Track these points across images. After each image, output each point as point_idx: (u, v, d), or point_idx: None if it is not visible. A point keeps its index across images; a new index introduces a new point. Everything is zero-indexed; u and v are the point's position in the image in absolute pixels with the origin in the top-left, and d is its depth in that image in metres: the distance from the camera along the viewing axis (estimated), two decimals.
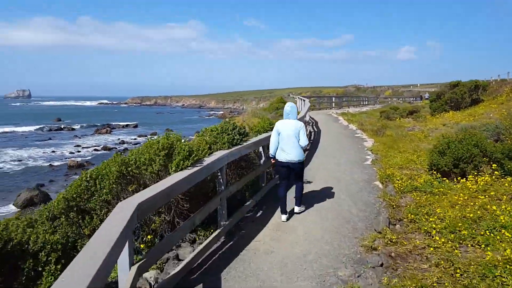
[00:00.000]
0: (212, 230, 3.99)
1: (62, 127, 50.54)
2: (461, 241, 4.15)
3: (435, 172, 6.66)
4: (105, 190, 3.20)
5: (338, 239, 4.39)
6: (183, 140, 3.98)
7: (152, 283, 3.07)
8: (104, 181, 3.28)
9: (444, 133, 12.26)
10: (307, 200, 5.74)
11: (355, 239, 4.40)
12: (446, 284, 3.29)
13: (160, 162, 3.46)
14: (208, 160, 3.69)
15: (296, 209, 5.32)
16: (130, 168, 3.38)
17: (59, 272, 2.54)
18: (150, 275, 3.19)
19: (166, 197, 2.90)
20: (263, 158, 5.84)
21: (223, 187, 4.09)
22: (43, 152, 29.98)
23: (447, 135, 7.76)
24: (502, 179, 5.78)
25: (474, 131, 7.78)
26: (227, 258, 3.77)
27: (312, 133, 13.91)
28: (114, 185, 3.30)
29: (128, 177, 3.40)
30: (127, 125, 55.09)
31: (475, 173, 6.19)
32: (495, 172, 5.94)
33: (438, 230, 4.38)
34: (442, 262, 3.67)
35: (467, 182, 5.94)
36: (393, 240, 4.19)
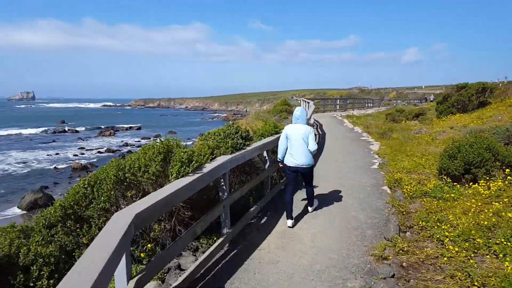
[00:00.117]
0: (215, 238, 3.83)
1: (66, 129, 50.69)
2: (475, 250, 3.96)
3: (445, 177, 6.46)
4: (102, 198, 3.05)
5: (347, 248, 4.21)
6: (183, 144, 3.82)
7: None
8: (102, 187, 3.14)
9: (453, 136, 12.08)
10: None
11: (364, 247, 4.22)
12: None
13: (157, 168, 3.31)
14: (210, 166, 3.53)
15: (310, 209, 5.46)
16: (126, 175, 3.23)
17: None
18: (150, 286, 3.05)
19: (166, 206, 2.74)
20: (268, 163, 5.68)
21: (226, 194, 3.93)
22: (47, 155, 30.01)
23: (457, 139, 7.54)
24: None
25: (485, 134, 7.57)
26: (230, 268, 3.60)
27: (317, 136, 13.72)
28: (112, 192, 3.15)
29: (125, 183, 3.26)
30: (130, 127, 55.17)
31: (487, 178, 6.00)
32: (508, 177, 5.74)
33: (451, 238, 4.20)
34: (458, 273, 3.48)
35: (479, 187, 5.75)
36: (405, 249, 4.01)
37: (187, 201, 3.50)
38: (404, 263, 3.79)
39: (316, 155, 9.87)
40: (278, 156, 5.11)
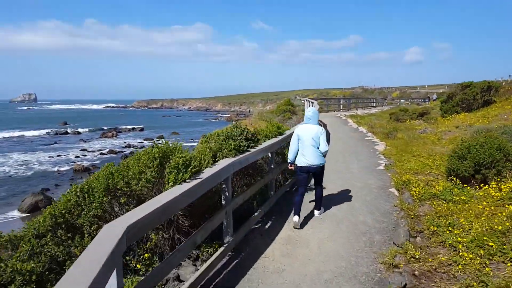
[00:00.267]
0: (216, 246, 3.64)
1: (68, 131, 50.64)
2: (490, 257, 3.75)
3: (454, 178, 6.25)
4: (94, 204, 2.87)
5: (355, 255, 4.01)
6: (184, 145, 3.62)
7: None
8: (94, 194, 2.95)
9: (459, 135, 11.87)
10: None
11: (374, 254, 4.03)
12: None
13: (152, 175, 3.12)
14: (211, 171, 3.34)
15: (316, 213, 5.29)
16: (118, 186, 3.04)
17: None
18: None
19: (163, 216, 2.55)
20: (272, 165, 5.48)
21: (228, 199, 3.73)
22: (49, 156, 29.89)
23: (467, 139, 7.33)
24: None
25: (494, 133, 7.35)
26: (233, 279, 3.41)
27: None
28: (104, 198, 2.97)
29: (118, 193, 3.07)
30: (133, 129, 55.04)
31: (498, 179, 5.79)
32: None
33: (464, 244, 3.99)
34: (474, 283, 3.28)
35: (490, 189, 5.54)
36: (416, 256, 3.80)
37: (187, 208, 3.31)
38: (416, 272, 3.59)
39: None
40: (289, 157, 5.06)
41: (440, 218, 4.86)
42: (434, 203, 5.47)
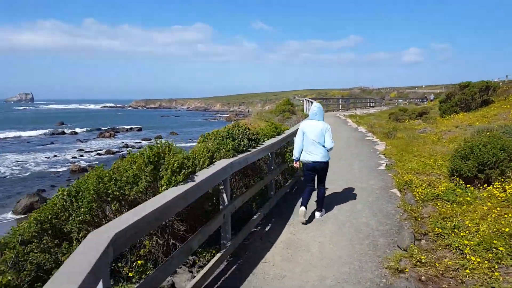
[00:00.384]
0: (214, 252, 3.47)
1: (65, 131, 50.25)
2: (498, 261, 3.61)
3: (457, 179, 6.11)
4: (82, 209, 2.70)
5: (358, 259, 3.86)
6: (178, 146, 3.45)
7: None
8: (83, 198, 2.78)
9: (459, 135, 11.76)
10: None
11: (378, 258, 3.87)
12: None
13: (147, 179, 2.95)
14: (208, 172, 3.17)
15: (317, 214, 5.13)
16: (110, 190, 2.87)
17: None
18: None
19: (155, 222, 2.37)
20: (272, 165, 5.32)
21: (226, 202, 3.56)
22: (45, 157, 29.60)
23: (470, 139, 7.19)
24: None
25: (496, 133, 7.22)
26: (231, 286, 3.25)
27: None
28: (93, 203, 2.80)
29: (109, 198, 2.90)
30: (131, 129, 54.72)
31: (502, 180, 5.66)
32: None
33: (471, 247, 3.85)
34: None
35: (494, 189, 5.41)
36: (422, 260, 3.65)
37: (183, 211, 3.14)
38: (422, 277, 3.44)
39: None
40: (294, 154, 5.00)
41: (445, 219, 4.72)
42: (438, 204, 5.33)
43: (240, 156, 3.95)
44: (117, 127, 56.07)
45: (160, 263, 2.88)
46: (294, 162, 5.11)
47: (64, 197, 2.75)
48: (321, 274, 3.53)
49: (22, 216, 14.37)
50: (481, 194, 5.46)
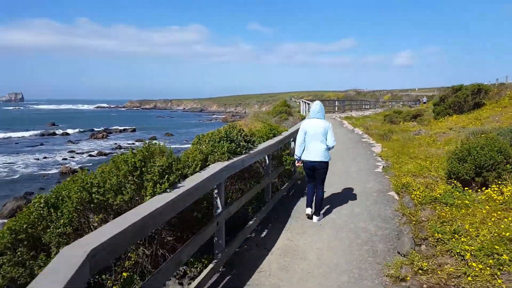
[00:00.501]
0: (206, 262, 3.29)
1: (56, 132, 49.49)
2: (500, 267, 3.51)
3: (454, 181, 6.02)
4: (62, 220, 2.51)
5: (358, 266, 3.73)
6: (167, 147, 3.25)
7: None
8: (62, 207, 2.58)
9: (453, 137, 11.75)
10: None
11: (378, 265, 3.75)
12: None
13: (132, 187, 2.77)
14: (201, 177, 3.00)
15: (315, 219, 5.01)
16: (94, 196, 2.69)
17: None
18: None
19: (140, 233, 2.18)
20: (269, 168, 5.17)
21: (220, 208, 3.39)
22: (35, 159, 29.05)
23: (466, 141, 7.13)
24: None
25: (493, 135, 7.16)
26: None
27: None
28: (75, 214, 2.61)
29: (92, 205, 2.72)
30: (124, 130, 54.17)
31: (499, 182, 5.60)
32: None
33: (472, 252, 3.74)
34: None
35: (492, 192, 5.34)
36: (424, 268, 3.53)
37: (172, 219, 2.96)
38: (424, 285, 3.33)
39: None
40: (295, 154, 4.96)
41: (444, 224, 4.62)
42: (437, 207, 5.23)
43: (235, 159, 3.79)
44: (110, 128, 55.47)
45: (148, 275, 2.70)
46: (296, 162, 5.07)
47: (41, 205, 2.56)
48: (319, 284, 3.39)
49: (8, 220, 14.00)
50: (479, 197, 5.38)
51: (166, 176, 2.82)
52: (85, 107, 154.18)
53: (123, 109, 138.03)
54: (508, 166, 5.71)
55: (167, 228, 3.05)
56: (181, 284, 3.15)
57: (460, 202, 5.22)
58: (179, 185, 2.85)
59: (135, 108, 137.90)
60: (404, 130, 15.40)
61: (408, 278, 3.41)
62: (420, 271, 3.51)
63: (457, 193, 5.64)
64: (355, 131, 15.27)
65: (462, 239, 4.02)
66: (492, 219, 4.38)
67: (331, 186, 6.58)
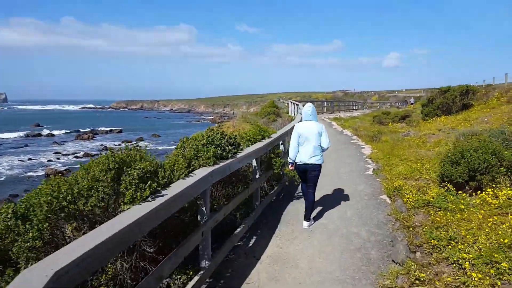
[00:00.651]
0: (191, 273, 3.06)
1: (40, 133, 48.34)
2: (500, 276, 3.36)
3: (448, 185, 5.90)
4: (31, 234, 2.25)
5: (351, 275, 3.54)
6: (147, 151, 3.01)
7: None
8: (31, 220, 2.33)
9: (442, 138, 11.74)
10: None
11: (372, 274, 3.57)
12: None
13: (105, 191, 2.52)
14: (185, 184, 2.76)
15: (305, 224, 4.85)
16: (63, 203, 2.43)
17: None
18: None
19: (115, 249, 1.94)
20: (257, 173, 4.96)
21: (206, 217, 3.16)
22: (19, 160, 28.26)
23: (459, 143, 7.05)
24: None
25: (486, 137, 7.09)
26: None
27: None
28: (45, 225, 2.36)
29: (63, 213, 2.47)
30: (111, 130, 53.31)
31: (493, 186, 5.49)
32: None
33: (470, 261, 3.59)
34: None
35: (486, 196, 5.22)
36: (421, 278, 3.36)
37: (153, 230, 2.72)
38: None
39: None
40: (289, 157, 4.91)
41: (439, 229, 4.47)
42: (430, 212, 5.09)
43: (222, 164, 3.56)
44: (97, 128, 54.53)
45: None
46: (290, 165, 4.99)
47: (9, 216, 2.30)
48: None
49: None
50: (473, 201, 5.25)
51: (148, 182, 2.58)
52: (71, 107, 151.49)
53: (109, 109, 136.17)
54: (502, 169, 5.61)
55: (147, 239, 2.80)
56: None
57: (454, 206, 5.09)
58: (162, 192, 2.62)
59: (121, 109, 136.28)
60: (393, 131, 15.37)
61: None
62: (417, 282, 3.33)
63: (451, 196, 5.52)
64: (344, 132, 15.19)
65: (459, 246, 3.86)
66: (489, 225, 4.23)
67: (322, 188, 6.40)
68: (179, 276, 2.95)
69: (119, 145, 37.40)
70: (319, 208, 5.52)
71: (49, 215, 2.37)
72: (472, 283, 3.26)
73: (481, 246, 3.77)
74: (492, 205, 4.97)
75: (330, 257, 3.96)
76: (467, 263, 3.53)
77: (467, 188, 5.88)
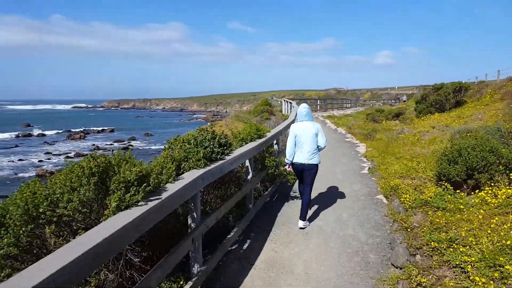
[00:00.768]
0: (181, 282, 2.87)
1: (31, 133, 47.58)
2: (505, 281, 3.23)
3: (445, 183, 5.78)
4: (6, 240, 2.06)
5: (350, 281, 3.39)
6: (132, 157, 2.81)
7: None
8: (6, 226, 2.13)
9: (437, 136, 11.67)
10: None
11: (371, 279, 3.42)
12: None
13: (87, 195, 2.33)
14: (173, 188, 2.57)
15: (301, 223, 4.76)
16: (41, 209, 2.24)
17: None
18: None
19: (97, 260, 1.75)
20: (251, 173, 4.78)
21: (196, 222, 2.97)
22: (9, 161, 27.76)
23: (457, 141, 6.94)
24: None
25: (483, 134, 6.99)
26: None
27: None
28: (22, 230, 2.15)
29: (41, 221, 2.28)
30: (102, 130, 52.72)
31: (491, 184, 5.38)
32: None
33: (472, 264, 3.46)
34: None
35: (485, 195, 5.11)
36: (423, 284, 3.22)
37: (141, 237, 2.53)
38: None
39: None
40: (286, 158, 4.89)
41: (438, 230, 4.33)
42: (429, 212, 4.96)
43: (213, 165, 3.37)
44: (88, 128, 53.89)
45: None
46: (287, 166, 4.94)
47: None
48: None
49: None
50: (472, 201, 5.13)
51: (134, 188, 2.39)
52: (62, 107, 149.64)
53: (101, 109, 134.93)
54: (501, 167, 5.51)
55: (134, 247, 2.61)
56: None
57: (452, 206, 4.96)
58: (150, 198, 2.43)
59: (113, 108, 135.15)
60: (387, 129, 15.30)
61: None
62: (418, 287, 3.19)
63: (448, 196, 5.40)
64: (338, 130, 15.08)
65: (461, 249, 3.73)
66: (491, 226, 4.10)
67: (317, 189, 6.25)
68: (169, 285, 2.76)
69: (111, 144, 37.00)
70: (314, 209, 5.37)
71: (26, 220, 2.17)
72: (474, 287, 3.13)
73: (483, 248, 3.64)
74: (492, 205, 4.85)
75: (327, 261, 3.80)
76: (470, 266, 3.40)
77: (464, 187, 5.76)
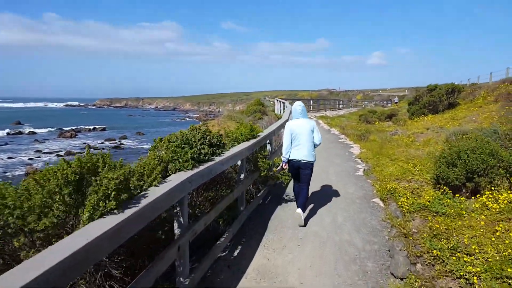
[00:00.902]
0: None
1: (21, 131, 46.72)
2: None
3: (444, 187, 5.60)
4: None
5: None
6: (110, 158, 2.55)
7: None
8: None
9: (431, 137, 11.56)
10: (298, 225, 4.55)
11: None
12: None
13: (61, 209, 2.08)
14: (158, 192, 2.31)
15: (299, 209, 4.79)
16: (10, 221, 1.99)
17: None
18: None
19: (70, 274, 1.52)
20: (243, 175, 4.54)
21: (183, 228, 2.72)
22: None
23: (452, 143, 6.78)
24: None
25: (482, 137, 6.84)
26: None
27: None
28: None
29: (9, 231, 2.03)
30: (94, 128, 52.04)
31: (492, 188, 5.21)
32: None
33: (477, 274, 3.26)
34: None
35: (486, 200, 4.93)
36: None
37: (121, 246, 2.28)
38: None
39: None
40: (283, 155, 4.88)
41: (439, 237, 4.13)
42: (428, 217, 4.76)
43: (202, 167, 3.12)
44: (80, 126, 53.16)
45: None
46: (284, 164, 4.94)
47: None
48: None
49: None
50: (472, 205, 4.95)
51: (113, 193, 2.14)
52: (54, 105, 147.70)
53: (93, 107, 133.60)
54: (501, 170, 5.34)
55: (112, 260, 2.36)
56: None
57: (452, 211, 4.77)
58: (130, 204, 2.18)
59: (105, 107, 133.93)
60: (380, 130, 15.19)
61: None
62: None
63: (447, 200, 5.20)
64: (332, 131, 14.92)
65: (465, 258, 3.52)
66: (497, 234, 3.90)
67: (310, 190, 6.04)
68: None
69: (102, 143, 36.46)
70: (309, 213, 5.15)
71: None
72: None
73: (488, 258, 3.45)
74: (493, 210, 4.66)
75: (323, 270, 3.58)
76: (475, 277, 3.20)
77: (463, 190, 5.59)
